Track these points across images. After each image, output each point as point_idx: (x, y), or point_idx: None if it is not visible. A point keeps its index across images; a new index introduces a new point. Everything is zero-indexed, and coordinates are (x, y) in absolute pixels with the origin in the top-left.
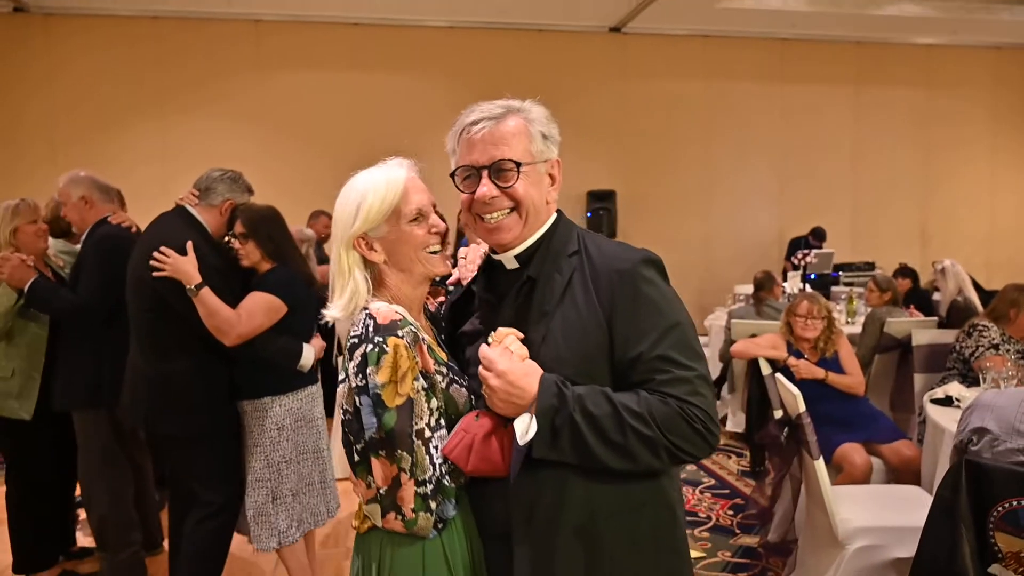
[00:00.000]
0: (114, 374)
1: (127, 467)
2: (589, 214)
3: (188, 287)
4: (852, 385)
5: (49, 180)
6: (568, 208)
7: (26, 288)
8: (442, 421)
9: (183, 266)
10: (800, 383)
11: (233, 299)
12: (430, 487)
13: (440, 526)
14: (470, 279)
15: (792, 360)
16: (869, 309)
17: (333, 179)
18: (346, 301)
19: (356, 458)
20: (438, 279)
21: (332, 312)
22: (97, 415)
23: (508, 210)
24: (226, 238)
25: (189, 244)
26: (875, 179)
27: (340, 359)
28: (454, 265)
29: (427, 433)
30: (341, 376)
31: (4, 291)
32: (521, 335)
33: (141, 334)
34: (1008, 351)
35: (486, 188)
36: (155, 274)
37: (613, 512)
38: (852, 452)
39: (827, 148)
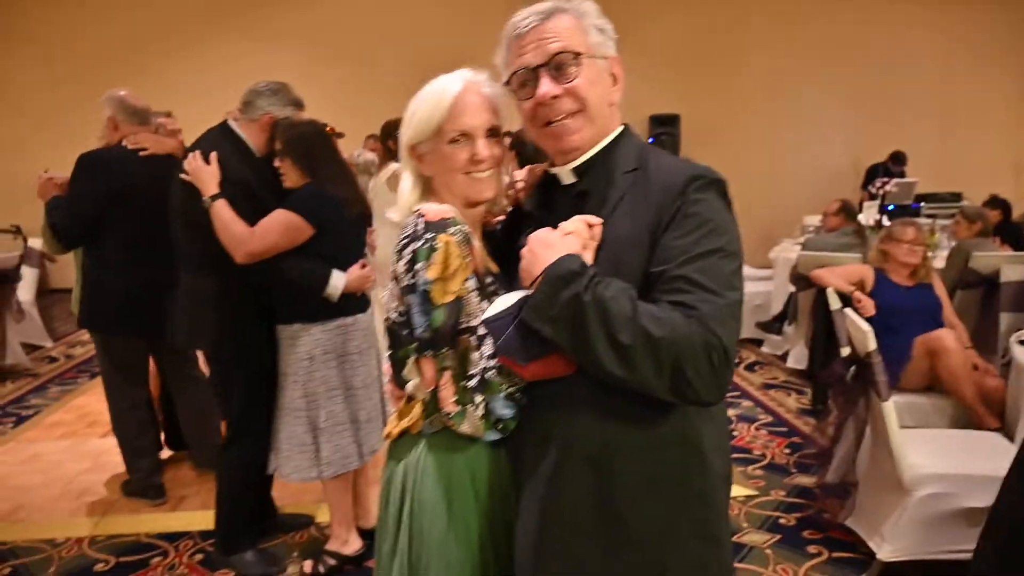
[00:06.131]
0: (92, 294)
1: (127, 391)
2: (652, 139)
3: (204, 198)
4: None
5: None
6: None
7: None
8: None
9: (202, 174)
10: (886, 311)
11: None
12: (475, 380)
13: (500, 427)
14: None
15: (857, 295)
16: (954, 243)
17: (383, 105)
18: (399, 203)
19: (400, 364)
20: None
21: (391, 214)
22: (94, 335)
23: (574, 112)
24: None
25: (213, 155)
26: (966, 102)
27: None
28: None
29: (480, 331)
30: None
31: None
32: (597, 220)
33: (179, 250)
34: None
35: (547, 87)
36: (182, 175)
37: (631, 448)
38: (945, 336)
39: (911, 67)
